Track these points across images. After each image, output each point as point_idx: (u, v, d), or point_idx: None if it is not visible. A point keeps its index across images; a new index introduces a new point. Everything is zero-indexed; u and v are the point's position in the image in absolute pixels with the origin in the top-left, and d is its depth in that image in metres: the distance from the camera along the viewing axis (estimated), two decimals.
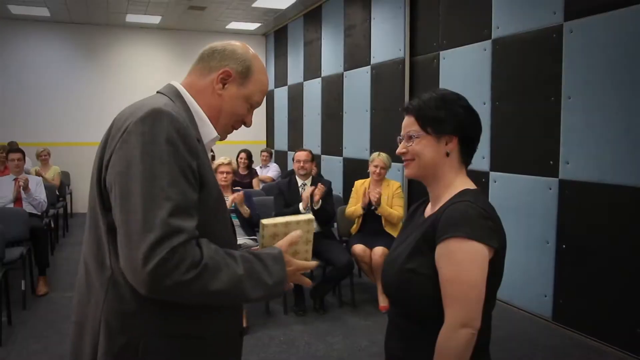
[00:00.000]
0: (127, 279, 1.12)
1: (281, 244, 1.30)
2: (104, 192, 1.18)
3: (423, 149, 1.42)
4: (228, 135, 1.41)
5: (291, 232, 1.34)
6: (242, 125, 1.43)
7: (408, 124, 1.46)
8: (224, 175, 4.30)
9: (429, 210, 1.50)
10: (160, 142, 1.11)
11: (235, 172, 4.57)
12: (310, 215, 1.41)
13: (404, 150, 1.46)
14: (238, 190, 4.52)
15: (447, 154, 1.43)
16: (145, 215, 1.07)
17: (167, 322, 1.18)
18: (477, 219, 1.31)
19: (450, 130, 1.42)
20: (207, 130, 1.32)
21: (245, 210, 4.30)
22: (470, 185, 1.44)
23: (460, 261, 1.28)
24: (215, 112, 1.33)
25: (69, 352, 1.30)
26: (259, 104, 1.40)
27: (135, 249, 1.06)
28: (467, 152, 1.46)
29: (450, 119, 1.41)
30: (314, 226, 1.41)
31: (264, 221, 1.34)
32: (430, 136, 1.42)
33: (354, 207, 4.69)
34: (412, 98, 1.50)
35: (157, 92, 1.34)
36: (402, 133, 1.48)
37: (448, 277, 1.29)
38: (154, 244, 1.05)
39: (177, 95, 1.30)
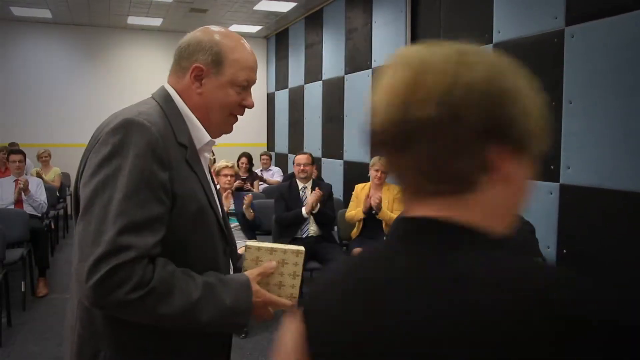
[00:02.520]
0: None
1: (251, 272, 1.24)
2: (79, 202, 1.16)
3: None
4: (227, 136, 1.36)
5: (276, 260, 1.27)
6: (246, 108, 1.31)
7: None
8: (228, 178, 4.32)
9: None
10: (127, 154, 1.08)
11: (236, 175, 4.58)
12: (301, 248, 1.28)
13: None
14: (239, 193, 4.53)
15: None
16: (96, 228, 1.05)
17: (134, 334, 1.15)
18: (534, 235, 1.30)
19: None
20: (200, 134, 1.26)
21: (250, 213, 4.31)
22: None
23: None
24: (203, 112, 1.26)
25: None
26: (249, 82, 1.28)
27: (83, 262, 1.04)
28: None
29: None
30: (302, 259, 1.28)
31: (249, 243, 1.29)
32: None
33: (355, 211, 4.69)
34: None
35: (152, 95, 1.30)
36: None
37: None
38: (97, 260, 1.02)
39: (168, 100, 1.25)
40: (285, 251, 1.27)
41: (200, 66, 1.24)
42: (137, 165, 1.08)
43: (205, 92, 1.25)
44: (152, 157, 1.10)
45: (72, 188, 1.23)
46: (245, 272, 1.24)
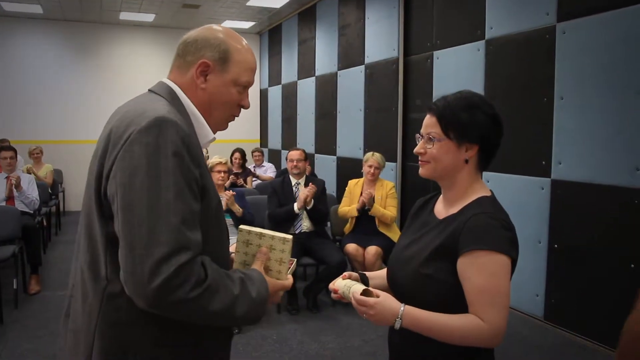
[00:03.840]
0: (123, 290, 1.08)
1: (257, 266, 1.28)
2: (103, 202, 1.14)
3: (442, 155, 1.38)
4: (220, 133, 1.37)
5: (264, 245, 1.31)
6: (242, 109, 1.35)
7: (430, 124, 1.40)
8: (221, 174, 4.32)
9: (441, 210, 1.47)
10: (166, 153, 1.08)
11: (229, 171, 4.57)
12: (288, 236, 1.32)
13: (422, 150, 1.41)
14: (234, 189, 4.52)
15: (466, 161, 1.39)
16: (151, 229, 1.04)
17: (162, 331, 1.16)
18: (499, 230, 1.32)
19: (473, 139, 1.37)
20: (204, 131, 1.28)
21: (237, 209, 4.30)
22: (485, 190, 1.43)
23: (493, 272, 1.28)
24: (206, 107, 1.28)
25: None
26: (250, 84, 1.32)
27: (141, 264, 1.03)
28: (485, 160, 1.42)
29: (475, 128, 1.36)
30: (290, 247, 1.32)
31: (242, 227, 1.34)
32: (451, 142, 1.37)
33: (349, 207, 4.70)
34: (439, 97, 1.43)
35: (150, 90, 1.29)
36: (422, 131, 1.42)
37: (481, 287, 1.28)
38: (160, 260, 1.02)
39: (174, 97, 1.25)
40: (273, 237, 1.32)
41: (207, 62, 1.25)
42: (178, 163, 1.09)
43: (209, 88, 1.27)
44: (187, 154, 1.11)
45: (89, 183, 1.18)
46: (253, 266, 1.28)
